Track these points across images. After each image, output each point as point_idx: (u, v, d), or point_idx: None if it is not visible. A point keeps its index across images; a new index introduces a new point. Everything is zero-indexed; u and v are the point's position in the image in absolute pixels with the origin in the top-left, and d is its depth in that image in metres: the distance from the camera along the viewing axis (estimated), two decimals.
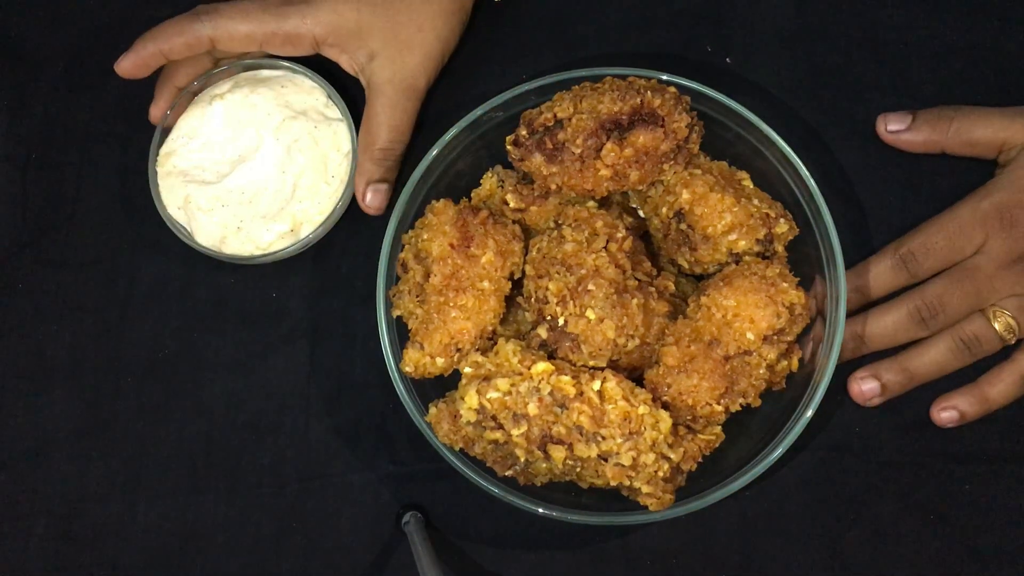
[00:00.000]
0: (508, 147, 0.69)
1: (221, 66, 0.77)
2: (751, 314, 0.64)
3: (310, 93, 0.77)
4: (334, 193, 0.75)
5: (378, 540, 0.73)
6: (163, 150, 0.76)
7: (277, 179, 0.74)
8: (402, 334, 0.68)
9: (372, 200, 0.74)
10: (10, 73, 0.80)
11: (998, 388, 0.70)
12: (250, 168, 0.74)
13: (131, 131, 0.79)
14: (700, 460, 0.65)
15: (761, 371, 0.65)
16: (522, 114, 0.69)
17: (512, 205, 0.70)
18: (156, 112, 0.76)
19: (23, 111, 0.79)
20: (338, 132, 0.75)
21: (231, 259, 0.73)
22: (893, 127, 0.74)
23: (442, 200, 0.68)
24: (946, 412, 0.71)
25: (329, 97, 0.77)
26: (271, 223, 0.73)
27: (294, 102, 0.76)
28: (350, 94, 0.77)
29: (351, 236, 0.76)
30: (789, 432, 0.66)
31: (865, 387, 0.71)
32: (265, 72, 0.78)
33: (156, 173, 0.75)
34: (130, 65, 0.73)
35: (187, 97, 0.77)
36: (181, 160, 0.75)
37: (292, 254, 0.74)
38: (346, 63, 0.76)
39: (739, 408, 0.65)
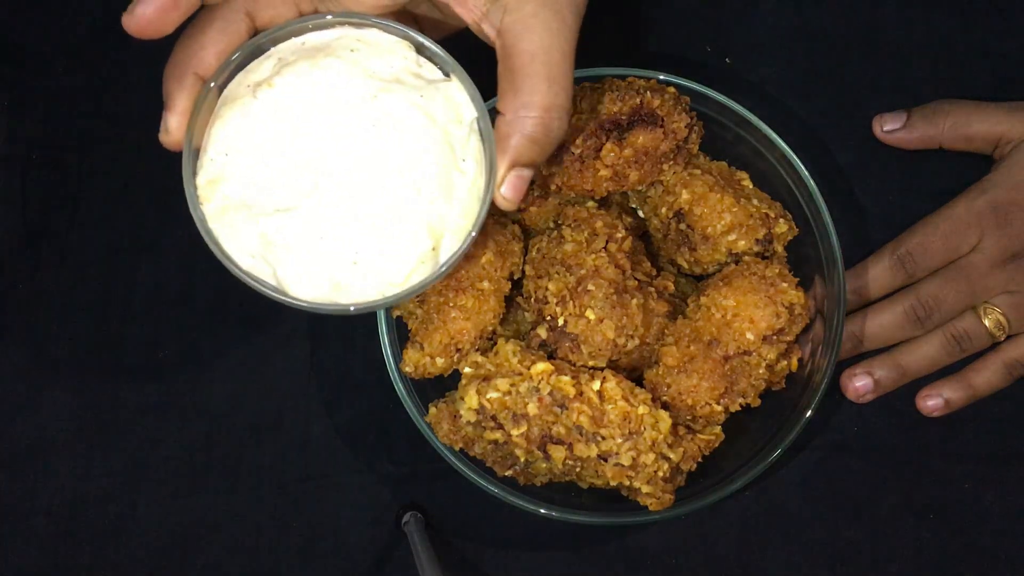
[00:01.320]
0: None
1: (246, 44, 0.54)
2: (751, 314, 0.64)
3: (393, 51, 0.54)
4: (472, 184, 0.53)
5: (378, 540, 0.73)
6: (202, 178, 0.53)
7: (391, 180, 0.52)
8: (402, 334, 0.68)
9: (511, 191, 0.53)
10: (10, 73, 0.80)
11: (983, 376, 0.71)
12: (341, 174, 0.52)
13: (131, 130, 0.79)
14: (700, 460, 0.65)
15: (761, 371, 0.65)
16: None
17: None
18: (176, 120, 0.52)
19: (23, 111, 0.79)
20: (451, 96, 0.54)
21: (356, 311, 0.53)
22: (889, 127, 0.75)
23: None
24: (931, 400, 0.72)
25: (419, 51, 0.55)
26: (400, 244, 0.52)
27: (378, 68, 0.53)
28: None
29: None
30: (789, 432, 0.66)
31: (859, 383, 0.72)
32: (314, 38, 0.54)
33: (204, 216, 0.53)
34: (153, 10, 0.49)
35: (211, 95, 0.53)
36: (234, 187, 0.52)
37: (435, 280, 0.53)
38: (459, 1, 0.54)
39: (739, 408, 0.65)
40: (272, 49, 0.54)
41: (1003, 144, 0.72)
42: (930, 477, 0.72)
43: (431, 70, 0.55)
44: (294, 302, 0.52)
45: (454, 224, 0.53)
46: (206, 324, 0.76)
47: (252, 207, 0.52)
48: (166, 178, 0.74)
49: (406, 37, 0.55)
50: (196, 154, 0.53)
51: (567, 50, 0.53)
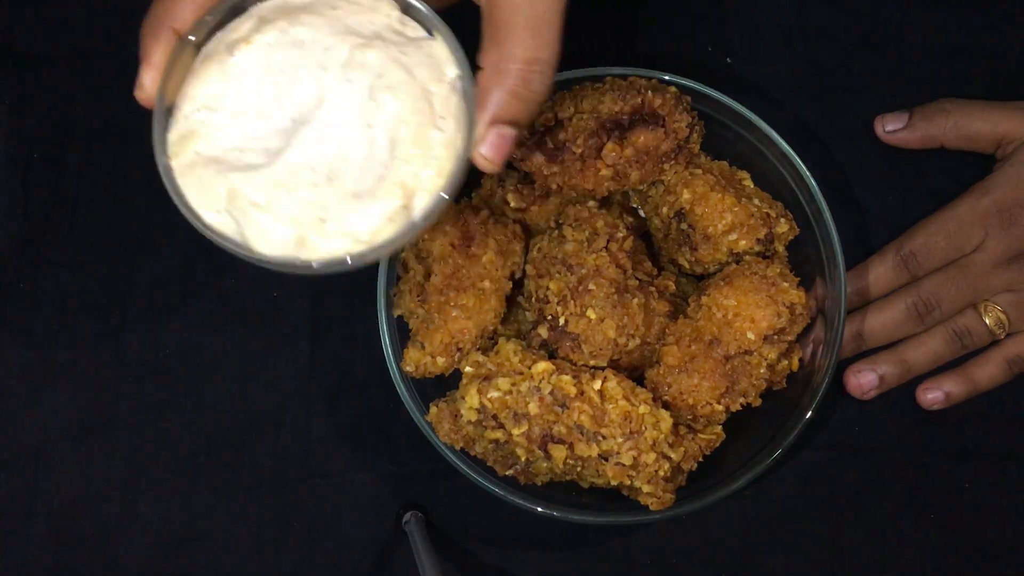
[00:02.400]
0: None
1: (226, 2, 0.54)
2: (752, 314, 0.64)
3: (376, 9, 0.54)
4: (450, 141, 0.52)
5: (378, 540, 0.73)
6: (174, 134, 0.53)
7: (363, 137, 0.51)
8: (403, 333, 0.68)
9: (492, 151, 0.52)
10: (11, 73, 0.80)
11: (984, 370, 0.71)
12: (316, 131, 0.52)
13: (132, 130, 0.79)
14: (700, 460, 0.65)
15: (761, 371, 0.65)
16: None
17: (513, 205, 0.70)
18: (150, 77, 0.52)
19: (25, 111, 0.79)
20: (433, 54, 0.53)
21: (320, 269, 0.51)
22: (891, 127, 0.75)
23: None
24: (932, 393, 0.72)
25: (405, 10, 0.54)
26: (370, 201, 0.51)
27: (359, 25, 0.53)
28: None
29: None
30: (789, 432, 0.66)
31: (863, 379, 0.72)
32: None
33: (171, 169, 0.52)
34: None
35: (188, 53, 0.53)
36: (206, 144, 0.52)
37: (409, 239, 0.52)
38: None
39: (739, 408, 0.65)
40: (252, 9, 0.54)
41: (1005, 144, 0.72)
42: (930, 477, 0.72)
43: (415, 29, 0.54)
44: (258, 258, 0.51)
45: (429, 183, 0.52)
46: (206, 324, 0.76)
47: (221, 163, 0.52)
48: None
49: None
50: (170, 111, 0.53)
51: (553, 3, 0.50)
